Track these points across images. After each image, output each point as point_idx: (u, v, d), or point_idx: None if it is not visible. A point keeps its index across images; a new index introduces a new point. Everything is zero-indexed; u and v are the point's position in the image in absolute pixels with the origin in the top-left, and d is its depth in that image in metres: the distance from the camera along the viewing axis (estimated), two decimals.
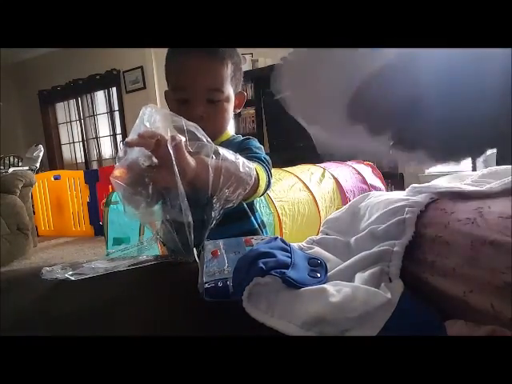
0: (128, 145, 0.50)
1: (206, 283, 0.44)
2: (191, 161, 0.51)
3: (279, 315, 0.35)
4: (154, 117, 0.54)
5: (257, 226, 0.85)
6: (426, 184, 0.62)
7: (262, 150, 0.80)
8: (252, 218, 0.84)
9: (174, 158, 0.47)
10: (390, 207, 0.50)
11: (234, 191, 0.55)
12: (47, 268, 0.53)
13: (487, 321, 0.29)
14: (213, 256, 0.51)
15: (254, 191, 0.65)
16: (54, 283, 0.50)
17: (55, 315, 0.45)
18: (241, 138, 0.85)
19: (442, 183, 0.70)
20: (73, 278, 0.50)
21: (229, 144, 0.81)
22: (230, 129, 0.87)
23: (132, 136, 0.51)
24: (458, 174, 0.84)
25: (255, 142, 0.82)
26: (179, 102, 0.74)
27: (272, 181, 0.75)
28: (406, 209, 0.46)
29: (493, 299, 0.31)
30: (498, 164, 0.64)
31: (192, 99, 0.73)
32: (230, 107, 0.79)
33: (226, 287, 0.43)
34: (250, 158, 0.70)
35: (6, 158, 4.48)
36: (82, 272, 0.52)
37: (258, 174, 0.64)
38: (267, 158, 0.77)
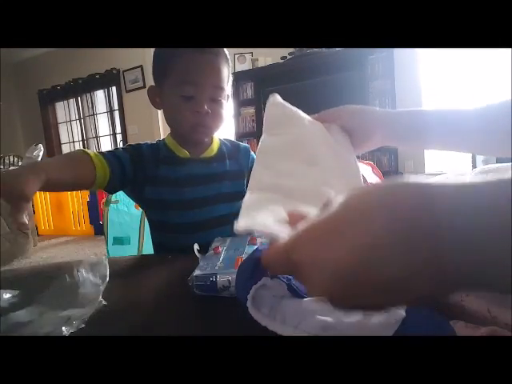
0: None
1: (195, 277, 0.47)
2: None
3: (282, 320, 0.33)
4: None
5: None
6: None
7: None
8: None
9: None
10: None
11: None
12: None
13: (485, 325, 0.30)
14: (214, 252, 0.54)
15: None
16: None
17: None
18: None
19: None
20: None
21: (236, 151, 0.86)
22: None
23: None
24: (455, 174, 0.85)
25: None
26: (184, 98, 0.74)
27: None
28: None
29: (489, 304, 0.32)
30: (497, 163, 0.64)
31: (198, 96, 0.74)
32: (226, 107, 0.81)
33: (214, 283, 0.45)
34: None
35: (5, 158, 4.48)
36: None
37: None
38: None
